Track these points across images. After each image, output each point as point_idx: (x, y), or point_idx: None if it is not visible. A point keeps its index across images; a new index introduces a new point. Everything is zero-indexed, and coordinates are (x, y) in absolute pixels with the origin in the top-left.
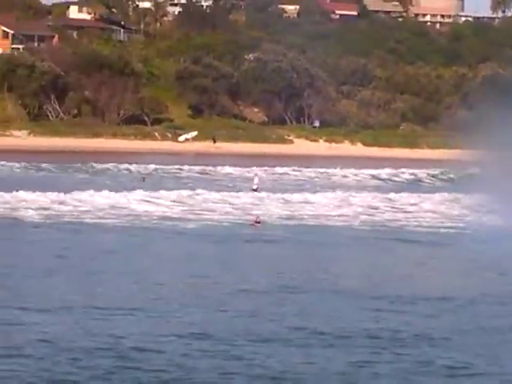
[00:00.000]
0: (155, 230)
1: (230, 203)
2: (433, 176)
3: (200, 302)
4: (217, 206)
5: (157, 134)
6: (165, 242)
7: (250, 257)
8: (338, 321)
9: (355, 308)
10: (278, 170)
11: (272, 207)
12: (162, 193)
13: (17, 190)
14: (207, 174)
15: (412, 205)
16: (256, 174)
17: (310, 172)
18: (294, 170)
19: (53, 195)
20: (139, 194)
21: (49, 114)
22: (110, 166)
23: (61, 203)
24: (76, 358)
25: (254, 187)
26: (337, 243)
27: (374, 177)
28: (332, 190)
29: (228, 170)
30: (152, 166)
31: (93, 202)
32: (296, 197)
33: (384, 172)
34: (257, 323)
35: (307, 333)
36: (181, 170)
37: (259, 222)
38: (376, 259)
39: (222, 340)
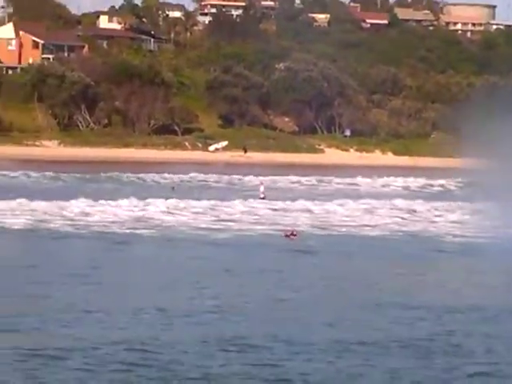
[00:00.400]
0: (186, 240)
1: (255, 214)
2: (462, 185)
3: (242, 312)
4: (245, 216)
5: (187, 144)
6: (199, 252)
7: (290, 267)
8: (376, 331)
9: (395, 318)
10: (307, 179)
11: (302, 217)
12: (191, 202)
13: (47, 200)
14: (236, 184)
15: (441, 215)
16: (262, 183)
17: (339, 181)
18: (320, 181)
19: (82, 205)
20: (168, 203)
21: (79, 124)
22: (139, 175)
23: (90, 213)
24: (114, 370)
25: (262, 196)
26: (375, 255)
27: (403, 186)
28: (363, 199)
29: (256, 180)
30: (182, 176)
31: (122, 212)
32: (326, 206)
33: (413, 181)
34: (298, 332)
35: (348, 342)
36: (210, 179)
37: (295, 235)
38: (410, 269)
39: (263, 348)
